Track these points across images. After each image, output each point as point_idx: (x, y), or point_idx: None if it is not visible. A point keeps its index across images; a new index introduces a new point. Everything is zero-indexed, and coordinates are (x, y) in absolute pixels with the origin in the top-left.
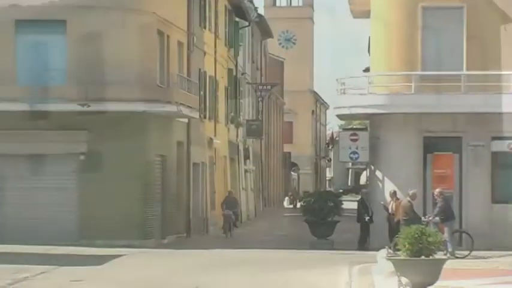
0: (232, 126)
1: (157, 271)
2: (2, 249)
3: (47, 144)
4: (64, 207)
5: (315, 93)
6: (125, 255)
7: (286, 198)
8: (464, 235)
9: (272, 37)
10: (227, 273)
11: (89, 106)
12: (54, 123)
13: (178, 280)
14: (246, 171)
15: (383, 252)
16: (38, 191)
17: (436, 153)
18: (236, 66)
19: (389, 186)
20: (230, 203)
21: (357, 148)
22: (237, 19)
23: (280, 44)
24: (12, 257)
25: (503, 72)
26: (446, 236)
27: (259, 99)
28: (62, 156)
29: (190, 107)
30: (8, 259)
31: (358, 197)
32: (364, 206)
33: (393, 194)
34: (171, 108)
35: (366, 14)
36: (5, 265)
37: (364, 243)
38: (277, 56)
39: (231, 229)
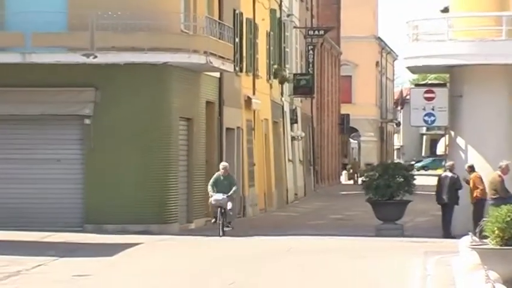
0: (275, 82)
1: (182, 263)
2: None
3: (43, 105)
4: (65, 184)
5: (380, 40)
6: (141, 243)
7: (344, 172)
8: None
9: None
10: (270, 265)
11: (95, 57)
12: (52, 78)
13: (208, 274)
14: (293, 138)
15: (466, 240)
16: (32, 164)
17: None
18: (280, 6)
19: (473, 157)
20: (222, 182)
21: (433, 109)
22: None
23: None
24: (1, 246)
25: None
26: None
27: (309, 47)
28: (62, 119)
29: (223, 58)
30: None
31: (437, 171)
32: (452, 184)
33: (471, 169)
34: (198, 59)
35: None
36: None
37: (449, 229)
38: None
39: (223, 224)
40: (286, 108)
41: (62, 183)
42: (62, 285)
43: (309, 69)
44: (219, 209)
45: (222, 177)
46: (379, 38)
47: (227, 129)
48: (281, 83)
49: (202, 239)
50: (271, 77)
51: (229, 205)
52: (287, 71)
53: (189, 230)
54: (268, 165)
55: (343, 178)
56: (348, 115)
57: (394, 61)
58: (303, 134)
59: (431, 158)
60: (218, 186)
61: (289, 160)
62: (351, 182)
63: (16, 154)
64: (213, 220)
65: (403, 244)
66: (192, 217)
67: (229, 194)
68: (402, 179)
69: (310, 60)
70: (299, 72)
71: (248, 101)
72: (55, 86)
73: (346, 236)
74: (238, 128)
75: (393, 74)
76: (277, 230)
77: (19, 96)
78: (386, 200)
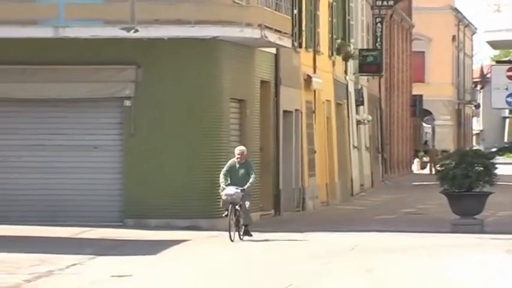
0: (339, 59)
1: (234, 263)
2: (18, 231)
3: (78, 85)
4: (103, 173)
5: (457, 11)
6: (188, 240)
7: (416, 160)
8: None
9: None
10: (331, 266)
11: (136, 31)
12: (88, 55)
13: (263, 276)
14: (358, 122)
15: None
16: (65, 151)
17: None
18: None
19: None
20: (238, 171)
21: None
22: None
23: None
24: (32, 243)
25: None
26: None
27: (377, 20)
28: (99, 101)
29: (280, 32)
30: (26, 246)
31: None
32: None
33: None
34: (252, 33)
35: None
36: (23, 254)
37: None
38: None
39: (237, 225)
40: (351, 88)
41: (99, 173)
42: (99, 287)
43: (377, 44)
44: (230, 206)
45: (237, 165)
46: (455, 9)
47: (284, 111)
48: (345, 59)
49: (256, 235)
50: (334, 53)
51: (247, 204)
52: (352, 47)
53: (241, 225)
54: (331, 152)
55: (415, 167)
56: (420, 96)
57: (472, 35)
58: (370, 118)
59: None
60: (233, 177)
61: (354, 147)
62: (425, 171)
63: (47, 140)
64: (225, 214)
65: (483, 241)
66: None
67: (244, 187)
68: (482, 168)
69: (378, 34)
70: (365, 47)
71: (308, 80)
72: (91, 64)
73: (418, 232)
74: (296, 110)
75: (472, 50)
76: (341, 226)
77: (50, 76)
78: (464, 191)
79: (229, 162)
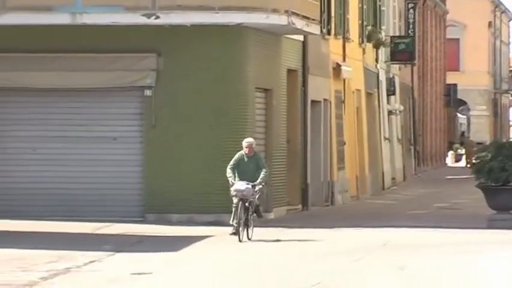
0: (369, 46)
1: (259, 260)
2: (34, 227)
3: (96, 74)
4: (122, 166)
5: None
6: (211, 236)
7: (451, 152)
8: None
9: None
10: (362, 263)
11: (157, 17)
12: (107, 43)
13: (290, 273)
14: (390, 112)
15: None
16: (83, 143)
17: None
18: None
19: None
20: (247, 165)
21: None
22: None
23: None
24: (48, 239)
25: None
26: None
27: (409, 5)
28: (119, 91)
29: (307, 18)
30: (43, 242)
31: None
32: None
33: None
34: (278, 19)
35: None
36: (39, 250)
37: None
38: None
39: (248, 222)
40: (382, 77)
41: (118, 166)
42: (119, 285)
43: (409, 31)
44: (240, 202)
45: (246, 158)
46: None
47: (312, 101)
48: (376, 47)
49: (282, 230)
50: (365, 40)
51: (260, 187)
52: (383, 34)
53: (267, 221)
54: (361, 144)
55: (450, 159)
56: (455, 85)
57: (509, 21)
58: (402, 108)
59: None
60: (241, 171)
61: (385, 138)
62: (459, 164)
63: (64, 132)
64: (233, 221)
65: None
66: (271, 206)
67: (256, 182)
68: None
69: (411, 20)
70: (397, 34)
71: (337, 69)
72: (110, 52)
73: (452, 228)
74: (325, 100)
75: (508, 37)
76: (371, 221)
77: (68, 64)
78: (500, 185)
79: (237, 155)
